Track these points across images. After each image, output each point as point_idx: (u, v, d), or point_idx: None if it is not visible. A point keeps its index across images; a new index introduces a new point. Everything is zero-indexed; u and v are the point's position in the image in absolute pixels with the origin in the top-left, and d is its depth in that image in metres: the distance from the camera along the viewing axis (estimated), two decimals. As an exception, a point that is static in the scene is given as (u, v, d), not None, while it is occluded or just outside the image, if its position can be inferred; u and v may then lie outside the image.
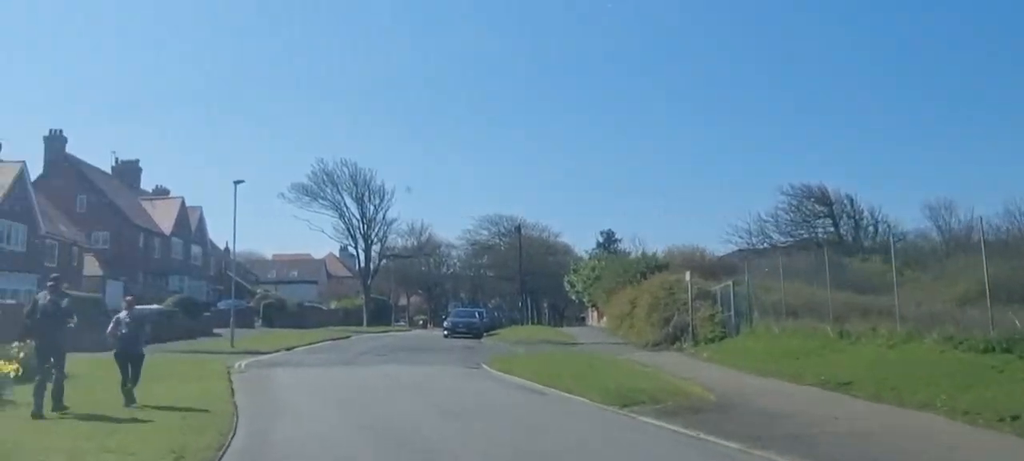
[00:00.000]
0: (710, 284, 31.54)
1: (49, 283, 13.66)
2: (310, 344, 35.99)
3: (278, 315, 54.91)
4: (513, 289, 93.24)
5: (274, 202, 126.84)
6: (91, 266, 51.80)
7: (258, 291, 63.87)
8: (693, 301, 30.07)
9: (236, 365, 23.93)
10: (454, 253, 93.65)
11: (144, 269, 57.33)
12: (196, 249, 65.81)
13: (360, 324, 63.75)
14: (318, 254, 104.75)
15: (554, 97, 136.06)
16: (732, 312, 27.83)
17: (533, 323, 73.15)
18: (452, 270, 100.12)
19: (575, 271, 57.45)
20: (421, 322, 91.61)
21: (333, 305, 77.05)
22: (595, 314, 57.92)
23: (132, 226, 56.55)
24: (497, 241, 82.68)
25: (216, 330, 43.85)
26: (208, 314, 44.73)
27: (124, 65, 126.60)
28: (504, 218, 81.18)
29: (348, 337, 44.80)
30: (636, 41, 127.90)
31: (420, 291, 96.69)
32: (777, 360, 19.89)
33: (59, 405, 12.67)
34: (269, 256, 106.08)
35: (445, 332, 41.52)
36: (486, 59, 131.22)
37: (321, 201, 62.88)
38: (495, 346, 34.04)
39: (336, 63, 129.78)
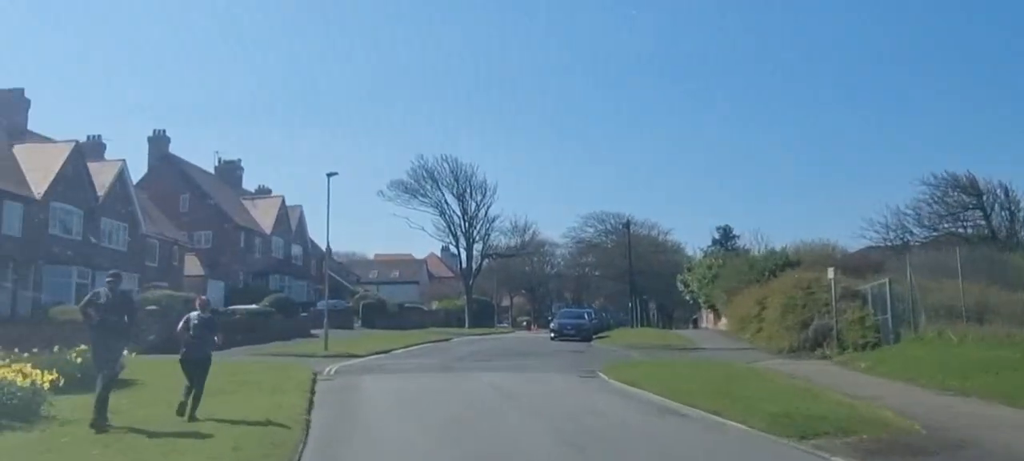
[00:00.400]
0: (856, 283, 27.56)
1: (107, 279, 11.73)
2: (408, 347, 33.74)
3: (378, 316, 53.31)
4: (620, 289, 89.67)
5: (377, 203, 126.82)
6: (192, 266, 51.33)
7: (358, 291, 62.50)
8: (837, 302, 26.19)
9: (325, 371, 21.67)
10: (558, 252, 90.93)
11: (244, 268, 56.71)
12: (296, 249, 65.06)
13: (461, 325, 61.68)
14: (420, 254, 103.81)
15: (661, 87, 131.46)
16: (889, 315, 23.87)
17: (642, 325, 69.31)
18: (556, 270, 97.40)
19: (689, 270, 53.58)
20: (525, 323, 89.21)
21: (434, 306, 75.46)
22: (710, 316, 54.00)
23: (233, 225, 56.02)
24: (603, 239, 79.21)
25: (314, 331, 42.30)
26: (305, 314, 43.24)
27: (227, 67, 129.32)
28: (610, 215, 77.64)
29: (449, 340, 42.54)
30: (754, 23, 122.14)
31: (523, 291, 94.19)
32: (967, 375, 16.07)
33: (102, 417, 10.52)
34: (371, 256, 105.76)
35: (552, 334, 38.65)
36: (588, 52, 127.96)
37: (421, 198, 61.19)
38: (607, 351, 30.90)
39: (437, 60, 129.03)
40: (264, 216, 60.63)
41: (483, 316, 69.09)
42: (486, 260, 66.61)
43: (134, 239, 43.86)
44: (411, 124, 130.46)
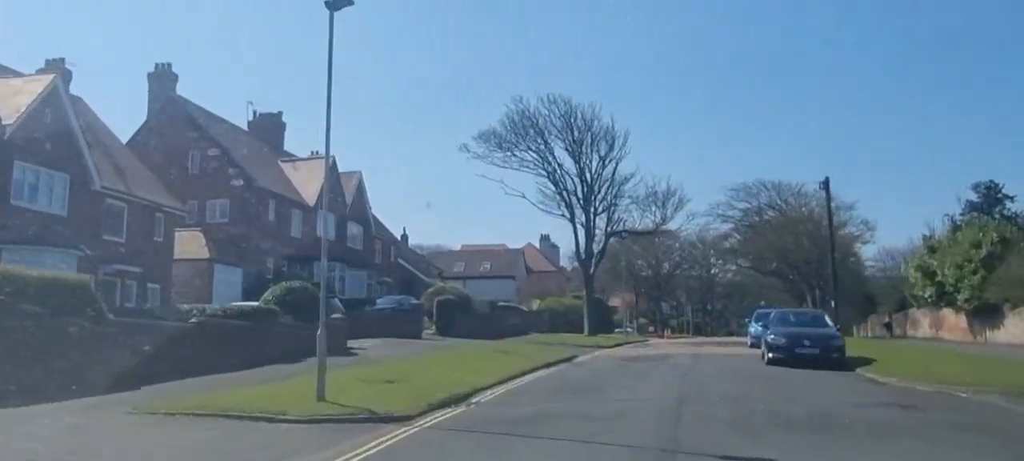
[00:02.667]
0: None
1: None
2: (505, 382, 16.81)
3: (460, 317, 36.68)
4: (768, 284, 70.85)
5: (469, 189, 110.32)
6: (193, 246, 35.53)
7: (434, 283, 45.84)
8: None
9: None
10: (682, 236, 72.45)
11: (276, 251, 40.83)
12: (354, 228, 48.81)
13: (575, 330, 44.61)
14: (514, 243, 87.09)
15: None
16: None
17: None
18: (678, 261, 79.35)
19: (933, 249, 34.86)
20: (651, 329, 72.04)
21: (535, 305, 58.58)
22: (941, 319, 35.51)
23: (259, 192, 40.07)
24: (757, 217, 60.04)
25: (353, 345, 25.99)
26: (338, 315, 26.73)
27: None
28: (766, 186, 58.02)
29: (571, 359, 25.43)
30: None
31: (640, 288, 76.18)
32: None
33: None
34: (457, 247, 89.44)
35: (767, 353, 20.78)
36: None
37: (518, 154, 43.62)
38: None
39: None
40: (307, 183, 44.61)
41: (596, 318, 51.59)
42: (613, 238, 47.96)
43: (80, 199, 28.15)
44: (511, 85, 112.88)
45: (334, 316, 26.81)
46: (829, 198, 38.26)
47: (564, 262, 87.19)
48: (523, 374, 18.93)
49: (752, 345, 31.19)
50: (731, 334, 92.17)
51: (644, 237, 48.30)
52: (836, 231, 55.57)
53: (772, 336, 20.83)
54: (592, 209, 42.64)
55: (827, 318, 23.75)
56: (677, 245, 77.54)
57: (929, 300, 36.15)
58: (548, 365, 22.04)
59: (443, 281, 57.84)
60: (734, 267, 77.18)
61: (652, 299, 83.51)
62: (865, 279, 59.54)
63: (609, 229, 44.14)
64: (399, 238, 70.75)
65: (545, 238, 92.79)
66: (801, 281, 57.63)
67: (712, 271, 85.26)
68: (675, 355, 26.31)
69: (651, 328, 73.69)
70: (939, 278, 33.96)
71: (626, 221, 44.44)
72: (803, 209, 55.95)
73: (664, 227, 44.78)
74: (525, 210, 78.97)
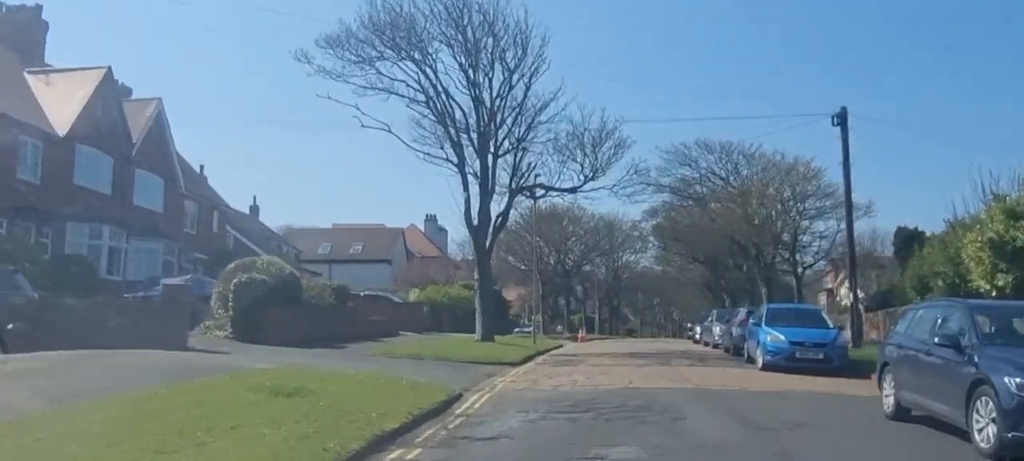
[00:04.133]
0: None
1: None
2: None
3: (278, 312, 22.43)
4: (700, 277, 59.56)
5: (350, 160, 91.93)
6: None
7: (259, 260, 31.03)
8: None
9: None
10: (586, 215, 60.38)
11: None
12: (145, 177, 33.51)
13: (460, 328, 31.90)
14: (394, 222, 73.43)
15: None
16: None
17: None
18: (585, 249, 67.65)
19: (1015, 218, 22.95)
20: (558, 327, 60.29)
21: (413, 296, 45.51)
22: None
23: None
24: (695, 190, 47.55)
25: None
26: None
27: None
28: (710, 147, 45.00)
29: (446, 412, 11.57)
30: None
31: (545, 279, 63.35)
32: None
33: None
34: (328, 225, 74.62)
35: (992, 425, 7.73)
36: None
37: (385, 70, 28.62)
38: None
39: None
40: (61, 104, 29.21)
41: (493, 315, 38.22)
42: (520, 196, 32.47)
43: None
44: None
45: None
46: (845, 134, 26.15)
47: (453, 249, 73.75)
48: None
49: (766, 363, 18.65)
50: (631, 332, 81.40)
51: (570, 193, 32.25)
52: (800, 203, 44.21)
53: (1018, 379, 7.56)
54: (491, 149, 28.16)
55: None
56: (584, 231, 65.90)
57: (1004, 290, 24.33)
58: (383, 443, 8.41)
59: (298, 266, 42.79)
60: (654, 254, 65.95)
61: (554, 293, 71.42)
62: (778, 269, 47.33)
63: (515, 182, 29.59)
64: (247, 210, 56.09)
65: (431, 218, 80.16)
66: (754, 268, 46.14)
67: (621, 260, 74.13)
68: (657, 393, 13.03)
69: (559, 328, 61.53)
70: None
71: (539, 173, 30.21)
72: (755, 179, 44.30)
73: (594, 182, 30.18)
74: (413, 184, 64.90)
